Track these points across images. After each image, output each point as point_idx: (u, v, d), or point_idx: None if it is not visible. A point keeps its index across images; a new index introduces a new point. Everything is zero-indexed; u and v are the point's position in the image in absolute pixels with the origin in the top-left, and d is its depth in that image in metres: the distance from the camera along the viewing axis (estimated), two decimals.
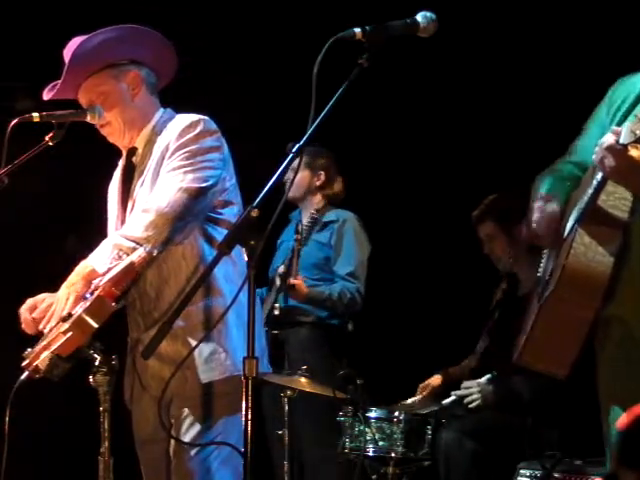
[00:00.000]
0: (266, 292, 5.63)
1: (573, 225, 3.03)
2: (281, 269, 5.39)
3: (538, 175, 3.32)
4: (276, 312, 5.40)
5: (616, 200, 2.94)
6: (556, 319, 3.02)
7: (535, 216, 3.20)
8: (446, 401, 5.18)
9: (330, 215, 5.62)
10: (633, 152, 2.78)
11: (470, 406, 5.04)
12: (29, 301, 3.37)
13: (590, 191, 2.96)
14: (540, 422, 4.88)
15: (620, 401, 3.02)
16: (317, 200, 5.68)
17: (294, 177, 3.27)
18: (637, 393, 2.93)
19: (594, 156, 2.89)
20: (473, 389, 5.05)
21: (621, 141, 2.78)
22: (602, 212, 2.96)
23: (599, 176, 2.92)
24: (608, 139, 2.83)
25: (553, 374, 3.10)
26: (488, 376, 5.08)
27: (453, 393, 5.16)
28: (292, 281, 5.31)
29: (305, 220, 5.66)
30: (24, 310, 3.36)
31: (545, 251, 3.32)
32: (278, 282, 5.42)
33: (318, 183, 5.66)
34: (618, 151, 2.79)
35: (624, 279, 2.95)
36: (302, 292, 5.37)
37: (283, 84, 6.15)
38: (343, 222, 5.57)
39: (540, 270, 3.31)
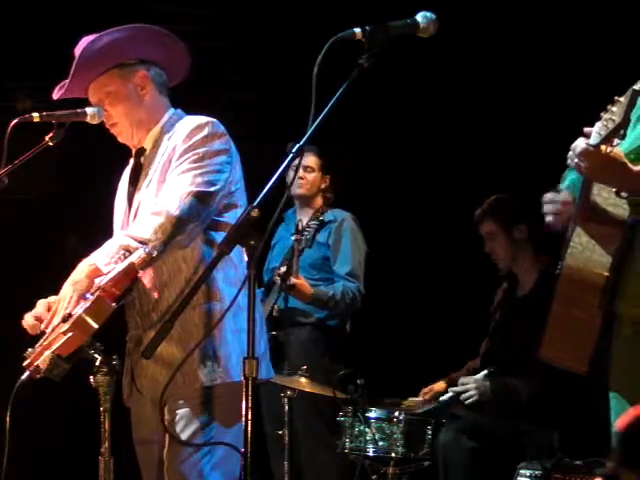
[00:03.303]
0: (262, 294, 5.63)
1: (571, 224, 3.04)
2: (282, 269, 5.39)
3: (565, 170, 3.32)
4: (275, 313, 5.41)
5: (617, 199, 2.95)
6: (564, 316, 3.03)
7: (546, 208, 3.21)
8: (443, 398, 5.21)
9: (328, 215, 5.64)
10: (604, 151, 2.81)
11: (467, 402, 5.05)
12: (42, 302, 3.34)
13: (580, 186, 2.97)
14: (537, 423, 4.88)
15: (629, 399, 3.03)
16: (319, 201, 5.74)
17: (295, 176, 3.27)
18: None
19: (569, 161, 2.92)
20: (470, 385, 5.07)
21: (590, 142, 2.81)
22: (601, 210, 2.97)
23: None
24: (579, 143, 2.86)
25: (574, 370, 3.10)
26: (485, 372, 5.10)
27: (450, 389, 5.18)
28: (294, 281, 5.31)
29: (306, 220, 5.66)
30: (42, 311, 3.31)
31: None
32: (278, 283, 5.42)
33: (323, 186, 5.73)
34: (590, 153, 2.82)
35: (632, 278, 2.96)
36: (307, 292, 5.38)
37: (283, 84, 6.15)
38: (341, 222, 5.60)
39: (559, 267, 3.31)
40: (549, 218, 3.23)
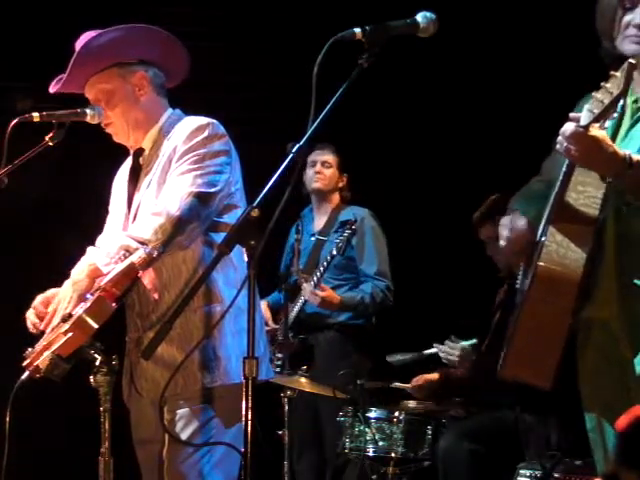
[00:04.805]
0: (282, 296, 5.64)
1: (544, 226, 3.02)
2: (315, 277, 5.42)
3: (511, 197, 3.33)
4: (302, 316, 5.45)
5: (587, 199, 2.94)
6: (533, 322, 2.96)
7: (503, 233, 3.20)
8: (426, 351, 5.26)
9: (346, 214, 5.67)
10: (594, 132, 2.80)
11: (446, 361, 5.10)
12: (40, 297, 3.37)
13: (557, 185, 2.97)
14: (535, 412, 4.87)
15: (603, 407, 3.01)
16: (336, 199, 5.79)
17: (299, 175, 3.27)
18: (619, 399, 2.92)
19: (558, 146, 2.89)
20: (455, 351, 5.09)
21: (582, 123, 2.79)
22: (573, 210, 2.95)
23: (565, 167, 2.93)
24: (569, 126, 2.84)
25: (536, 385, 3.06)
26: (473, 341, 5.12)
27: (435, 346, 5.20)
28: (321, 294, 5.36)
29: (324, 218, 5.71)
30: (38, 304, 3.35)
31: (522, 264, 3.29)
32: (304, 286, 5.45)
33: (341, 184, 5.79)
34: (580, 134, 2.80)
35: (602, 280, 2.94)
36: (335, 302, 5.40)
37: (283, 84, 6.15)
38: (361, 220, 5.63)
39: (518, 283, 3.30)
40: (502, 242, 3.23)
